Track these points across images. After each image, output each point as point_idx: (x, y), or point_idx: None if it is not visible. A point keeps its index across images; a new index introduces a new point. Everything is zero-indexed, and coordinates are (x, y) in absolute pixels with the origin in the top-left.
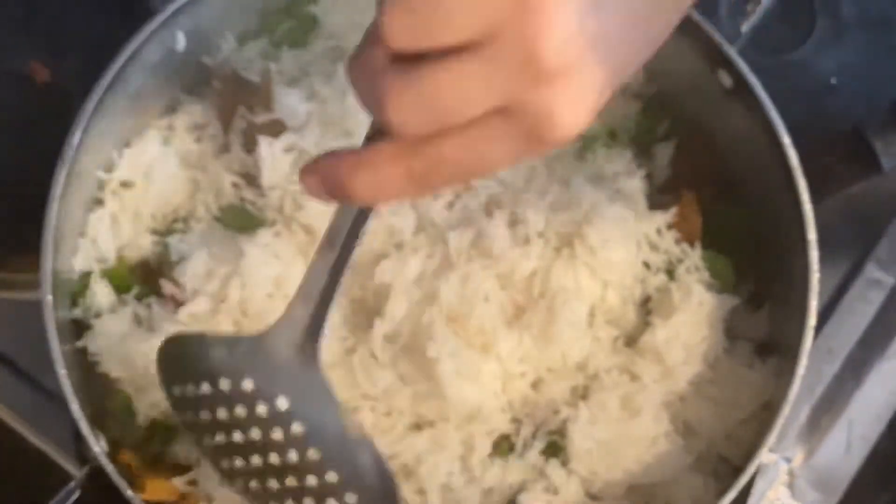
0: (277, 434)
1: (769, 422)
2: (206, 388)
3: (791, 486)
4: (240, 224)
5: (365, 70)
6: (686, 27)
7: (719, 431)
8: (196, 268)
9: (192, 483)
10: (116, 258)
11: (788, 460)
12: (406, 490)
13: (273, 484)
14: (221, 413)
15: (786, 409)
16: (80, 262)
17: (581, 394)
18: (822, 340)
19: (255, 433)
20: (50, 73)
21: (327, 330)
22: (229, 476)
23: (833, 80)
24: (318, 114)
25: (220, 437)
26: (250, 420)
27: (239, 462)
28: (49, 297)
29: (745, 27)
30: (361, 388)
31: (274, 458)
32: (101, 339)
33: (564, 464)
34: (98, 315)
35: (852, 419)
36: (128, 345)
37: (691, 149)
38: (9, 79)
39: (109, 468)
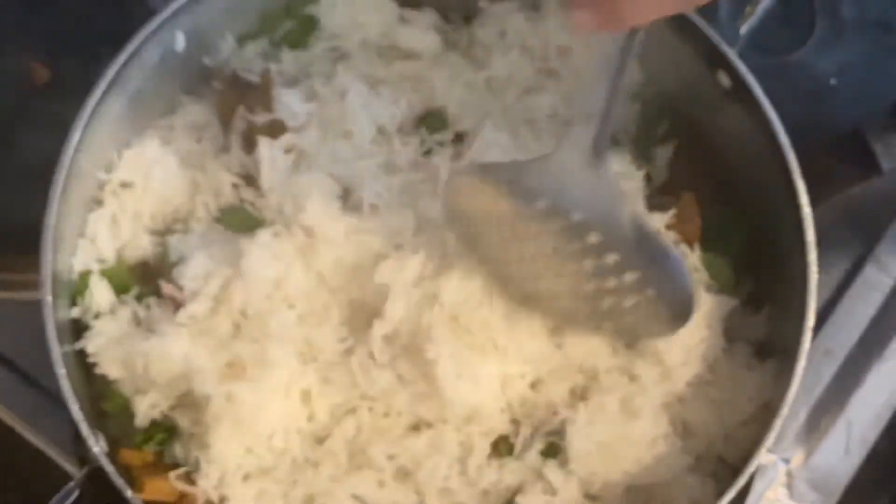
0: (575, 245)
1: (768, 423)
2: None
3: (789, 486)
4: (239, 225)
5: None
6: (685, 29)
7: (718, 432)
8: (195, 269)
9: (192, 483)
10: (116, 258)
11: (787, 461)
12: (404, 491)
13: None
14: (519, 230)
15: (784, 410)
16: (79, 261)
17: (580, 395)
18: (821, 341)
19: (551, 249)
20: (50, 73)
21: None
22: (533, 304)
23: (833, 81)
24: (318, 114)
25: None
26: (547, 238)
27: (544, 284)
28: (49, 298)
29: (745, 29)
30: (360, 388)
31: (571, 268)
32: (100, 339)
33: (563, 465)
34: (97, 316)
35: (851, 420)
36: (127, 346)
37: (690, 150)
38: (9, 79)
39: (109, 468)
